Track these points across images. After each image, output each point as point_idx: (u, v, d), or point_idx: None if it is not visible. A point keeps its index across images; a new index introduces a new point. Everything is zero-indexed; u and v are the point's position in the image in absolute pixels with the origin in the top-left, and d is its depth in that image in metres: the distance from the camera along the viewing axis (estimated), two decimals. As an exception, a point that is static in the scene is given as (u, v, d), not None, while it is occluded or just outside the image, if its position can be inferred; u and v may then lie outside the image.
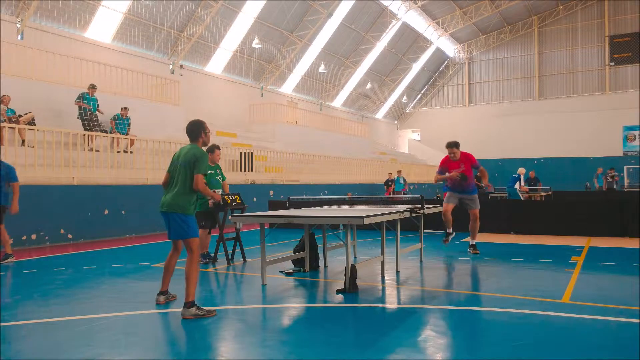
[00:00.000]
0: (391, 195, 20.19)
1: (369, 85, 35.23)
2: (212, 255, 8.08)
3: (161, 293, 5.40)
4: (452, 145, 8.61)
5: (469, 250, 8.66)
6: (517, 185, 17.21)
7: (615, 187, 24.93)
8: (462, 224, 10.44)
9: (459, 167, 8.55)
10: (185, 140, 5.56)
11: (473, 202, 8.71)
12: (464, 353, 3.82)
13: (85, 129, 13.48)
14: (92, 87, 14.30)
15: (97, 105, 14.42)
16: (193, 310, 4.77)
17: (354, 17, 29.46)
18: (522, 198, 16.95)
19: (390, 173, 23.83)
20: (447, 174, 8.58)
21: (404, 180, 23.37)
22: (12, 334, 4.33)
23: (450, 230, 9.03)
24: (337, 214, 6.26)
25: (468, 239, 8.96)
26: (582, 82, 36.49)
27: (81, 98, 14.10)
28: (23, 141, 11.50)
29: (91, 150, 12.86)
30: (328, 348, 3.90)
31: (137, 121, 15.32)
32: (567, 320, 4.59)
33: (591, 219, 11.04)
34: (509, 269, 7.36)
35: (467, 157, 8.64)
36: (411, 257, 8.23)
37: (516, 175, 17.72)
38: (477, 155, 34.32)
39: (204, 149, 5.41)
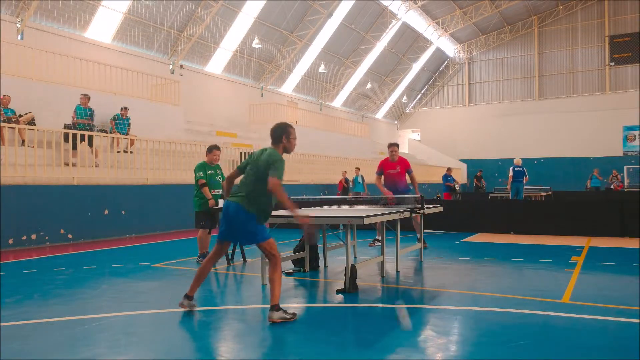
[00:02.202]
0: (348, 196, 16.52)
1: (369, 85, 35.23)
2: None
3: (187, 297, 4.98)
4: (394, 145, 9.59)
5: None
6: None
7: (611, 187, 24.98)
8: (460, 224, 10.47)
9: (395, 168, 9.30)
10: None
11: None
12: (464, 353, 3.82)
13: (73, 146, 11.97)
14: (85, 96, 13.24)
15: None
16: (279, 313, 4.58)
17: (354, 17, 29.46)
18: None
19: (345, 171, 21.24)
20: (384, 189, 9.14)
21: (363, 179, 20.99)
22: (12, 334, 4.33)
23: (380, 238, 8.65)
24: (337, 214, 6.26)
25: (468, 239, 8.97)
26: (582, 82, 36.49)
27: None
28: (23, 141, 11.50)
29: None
30: (328, 348, 3.90)
31: (137, 121, 15.32)
32: (567, 320, 4.59)
33: (591, 219, 11.04)
34: (509, 269, 7.35)
35: (402, 161, 9.38)
36: (411, 257, 8.23)
37: (520, 169, 16.67)
38: (477, 155, 34.46)
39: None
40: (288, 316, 4.59)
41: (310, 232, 5.02)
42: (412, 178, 9.51)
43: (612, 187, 25.42)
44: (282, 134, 4.88)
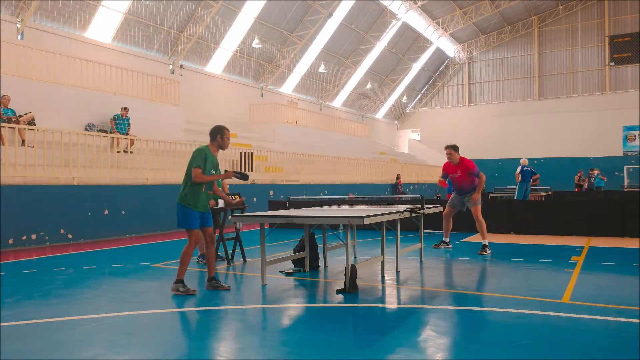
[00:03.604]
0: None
1: (369, 85, 35.22)
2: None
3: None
4: (449, 147, 8.93)
5: (479, 251, 8.61)
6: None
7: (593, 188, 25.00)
8: (459, 224, 10.47)
9: (456, 172, 8.85)
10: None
11: (470, 200, 8.78)
12: (464, 353, 3.82)
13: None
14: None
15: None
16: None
17: (354, 17, 29.46)
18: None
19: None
20: (442, 184, 9.19)
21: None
22: (12, 334, 4.33)
23: (447, 240, 9.22)
24: (337, 214, 6.26)
25: (468, 239, 8.97)
26: (582, 82, 36.49)
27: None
28: (23, 141, 11.50)
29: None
30: (328, 348, 3.90)
31: (137, 121, 15.32)
32: (567, 320, 4.59)
33: (591, 219, 11.04)
34: (509, 269, 7.35)
35: (464, 165, 8.82)
36: (411, 257, 8.23)
37: (528, 168, 16.54)
38: (477, 155, 34.19)
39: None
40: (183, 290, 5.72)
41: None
42: (478, 179, 8.79)
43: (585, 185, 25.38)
44: (217, 133, 6.01)
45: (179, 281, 5.77)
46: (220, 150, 6.18)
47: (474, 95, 40.34)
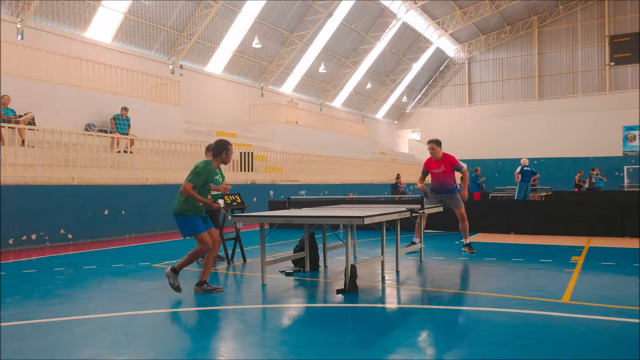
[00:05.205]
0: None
1: (369, 85, 35.22)
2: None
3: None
4: (432, 142, 8.76)
5: (463, 249, 8.67)
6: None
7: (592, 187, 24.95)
8: (454, 224, 10.45)
9: (439, 167, 8.73)
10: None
11: (453, 202, 8.73)
12: (464, 353, 3.82)
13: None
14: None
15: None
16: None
17: (354, 17, 29.46)
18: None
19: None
20: (422, 187, 8.89)
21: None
22: (12, 334, 4.33)
23: (417, 241, 8.46)
24: (337, 214, 6.26)
25: (468, 239, 8.95)
26: (582, 82, 36.48)
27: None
28: (23, 141, 11.50)
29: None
30: (328, 348, 3.90)
31: (137, 121, 15.31)
32: (567, 320, 4.59)
33: (591, 219, 11.03)
34: (509, 269, 7.35)
35: (447, 159, 8.76)
36: (411, 257, 8.23)
37: (528, 168, 16.55)
38: (477, 155, 33.98)
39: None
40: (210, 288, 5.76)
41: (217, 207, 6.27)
42: (462, 174, 8.81)
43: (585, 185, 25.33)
44: (222, 150, 5.90)
45: (203, 282, 5.76)
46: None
47: (474, 95, 40.34)
